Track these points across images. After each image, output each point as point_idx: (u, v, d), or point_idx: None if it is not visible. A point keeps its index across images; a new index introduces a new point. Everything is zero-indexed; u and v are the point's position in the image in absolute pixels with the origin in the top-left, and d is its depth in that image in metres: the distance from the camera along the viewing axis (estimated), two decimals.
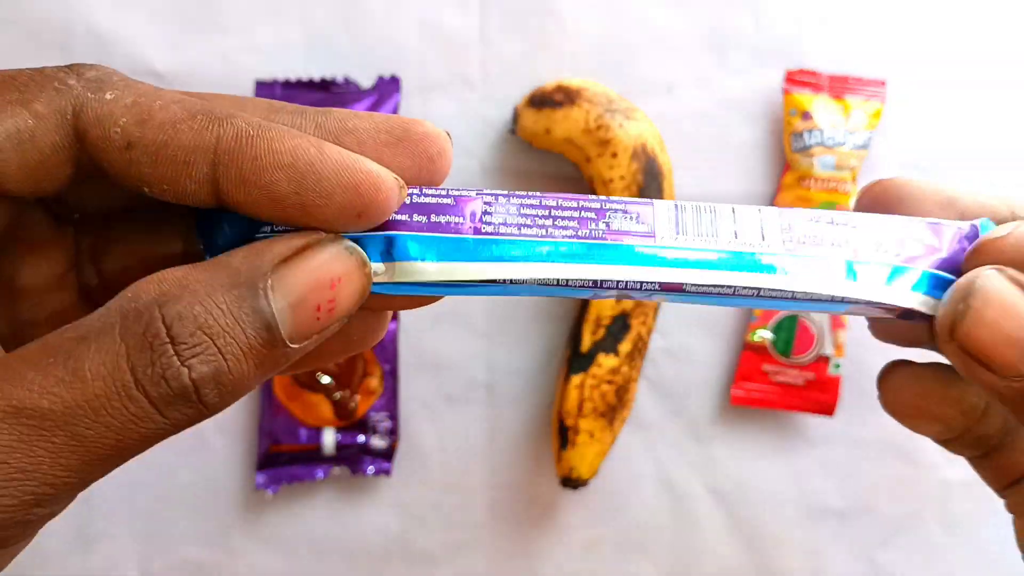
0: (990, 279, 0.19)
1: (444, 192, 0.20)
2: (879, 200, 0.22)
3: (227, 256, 0.17)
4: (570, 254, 0.20)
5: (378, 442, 0.46)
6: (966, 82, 0.47)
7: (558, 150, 0.44)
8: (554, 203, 0.20)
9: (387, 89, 0.45)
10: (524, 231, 0.20)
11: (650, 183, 0.43)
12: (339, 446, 0.45)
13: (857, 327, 0.47)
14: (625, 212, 0.20)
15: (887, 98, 0.46)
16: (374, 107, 0.45)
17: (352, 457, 0.46)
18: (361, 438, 0.46)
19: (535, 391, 0.47)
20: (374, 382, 0.46)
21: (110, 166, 0.17)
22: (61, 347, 0.16)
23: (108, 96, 0.17)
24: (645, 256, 0.20)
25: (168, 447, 0.49)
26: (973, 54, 0.47)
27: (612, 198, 0.21)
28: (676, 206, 0.20)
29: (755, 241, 0.20)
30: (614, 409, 0.44)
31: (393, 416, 0.46)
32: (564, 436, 0.44)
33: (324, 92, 0.45)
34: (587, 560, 0.48)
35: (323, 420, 0.45)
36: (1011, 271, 0.19)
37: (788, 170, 0.46)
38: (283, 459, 0.45)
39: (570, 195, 0.20)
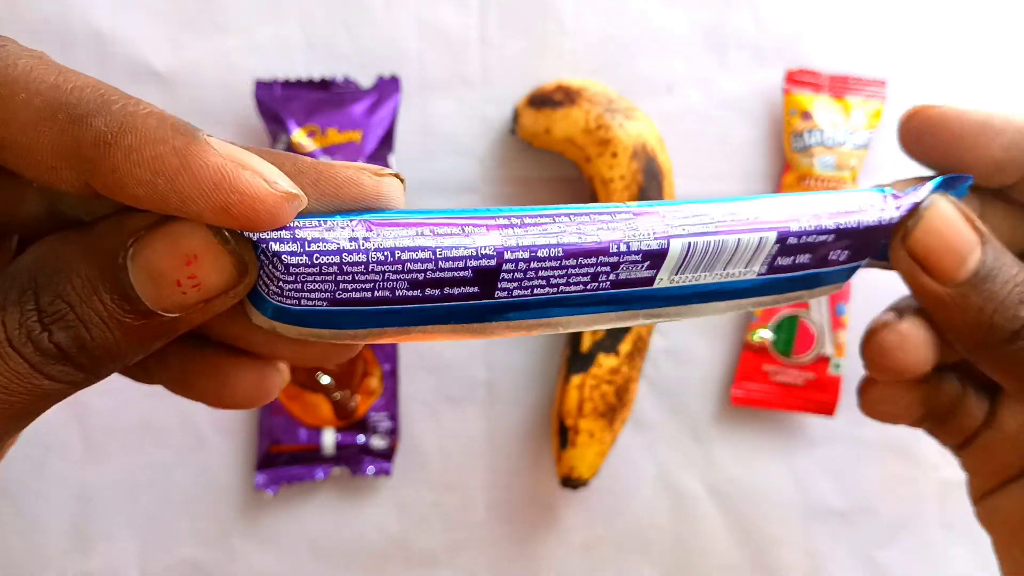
0: (940, 200, 0.23)
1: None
2: (920, 129, 0.25)
3: (99, 223, 0.17)
4: (588, 303, 0.21)
5: (378, 442, 0.46)
6: (966, 82, 0.47)
7: (558, 150, 0.44)
8: (572, 262, 0.20)
9: (387, 89, 0.45)
10: (536, 291, 0.20)
11: (650, 183, 0.43)
12: (339, 446, 0.45)
13: (858, 327, 0.47)
14: (638, 263, 0.21)
15: (887, 98, 0.46)
16: (374, 107, 0.45)
17: (352, 457, 0.46)
18: (361, 438, 0.45)
19: (535, 391, 0.47)
20: (374, 382, 0.46)
21: None
22: None
23: None
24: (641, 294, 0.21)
25: (168, 447, 0.49)
26: (974, 54, 0.47)
27: (630, 248, 0.20)
28: (689, 247, 0.21)
29: (740, 271, 0.22)
30: (614, 409, 0.44)
31: (393, 416, 0.46)
32: (564, 436, 0.44)
33: (324, 92, 0.45)
34: (587, 560, 0.48)
35: (323, 420, 0.45)
36: (959, 203, 0.23)
37: (788, 170, 0.46)
38: (283, 459, 0.45)
39: (588, 246, 0.20)
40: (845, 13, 0.47)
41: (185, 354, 0.22)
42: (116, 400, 0.45)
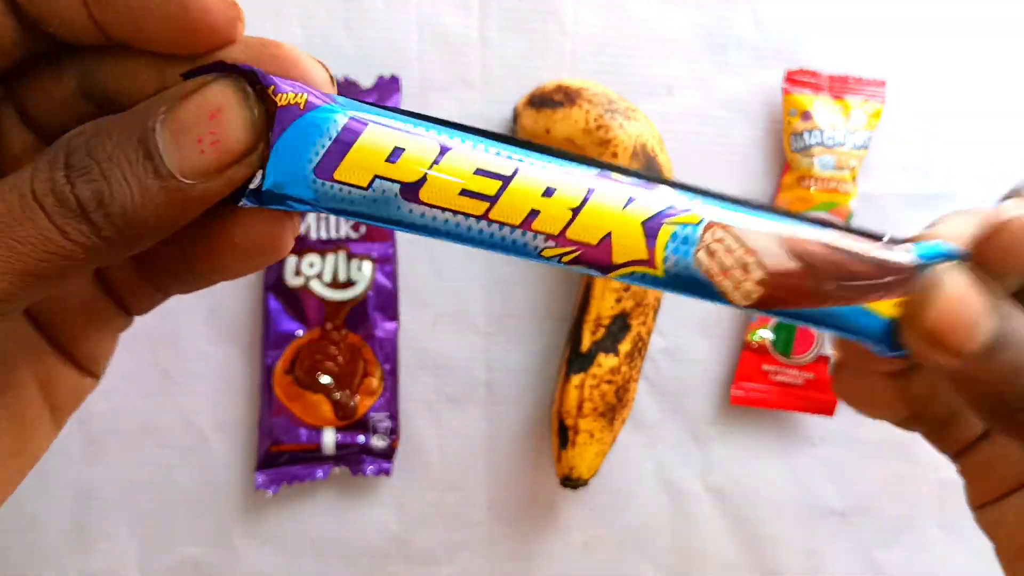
0: (947, 270, 0.21)
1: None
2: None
3: (137, 105, 0.19)
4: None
5: (378, 442, 0.46)
6: (966, 82, 0.47)
7: None
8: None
9: (387, 89, 0.45)
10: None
11: None
12: (339, 446, 0.45)
13: None
14: None
15: (887, 98, 0.46)
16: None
17: (352, 457, 0.46)
18: (361, 438, 0.46)
19: (535, 391, 0.47)
20: (374, 382, 0.46)
21: (25, 5, 0.20)
22: None
23: None
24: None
25: (168, 447, 0.49)
26: (973, 54, 0.47)
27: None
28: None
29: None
30: (614, 409, 0.44)
31: (393, 416, 0.46)
32: (564, 436, 0.44)
33: None
34: (587, 560, 0.48)
35: (323, 420, 0.45)
36: (963, 265, 0.22)
37: (788, 170, 0.46)
38: (283, 459, 0.45)
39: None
40: (845, 13, 0.47)
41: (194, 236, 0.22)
42: (116, 400, 0.45)
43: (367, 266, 0.45)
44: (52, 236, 0.18)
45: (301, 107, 0.19)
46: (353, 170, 0.19)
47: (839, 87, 0.46)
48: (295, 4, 0.46)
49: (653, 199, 0.20)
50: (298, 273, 0.45)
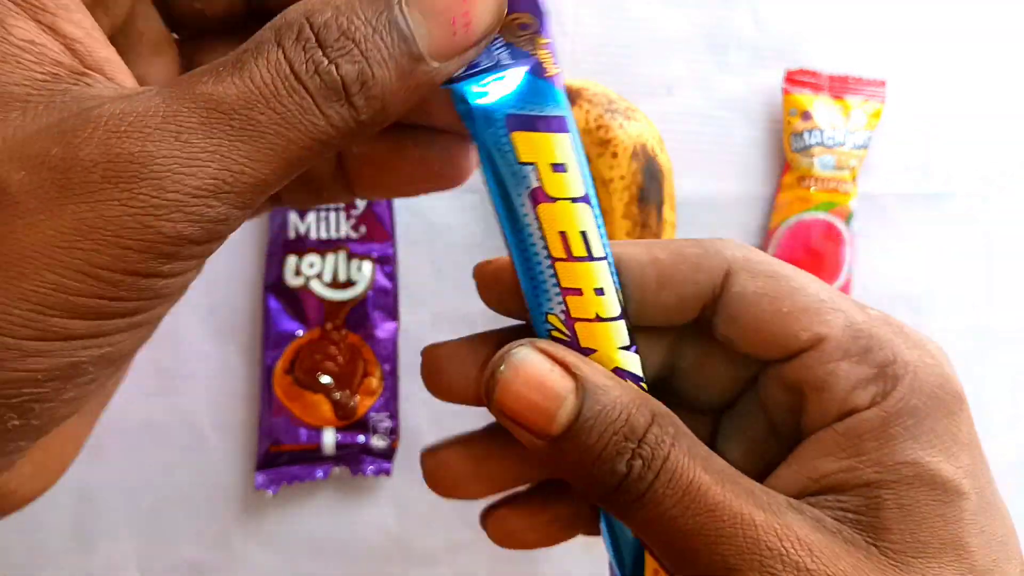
0: (519, 351, 0.20)
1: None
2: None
3: None
4: None
5: (378, 442, 0.46)
6: (966, 82, 0.47)
7: None
8: None
9: None
10: None
11: (650, 183, 0.43)
12: (339, 446, 0.45)
13: None
14: None
15: (887, 98, 0.46)
16: None
17: (352, 457, 0.46)
18: (361, 438, 0.46)
19: None
20: (374, 382, 0.46)
21: None
22: (226, 60, 0.17)
23: None
24: None
25: (168, 447, 0.49)
26: (973, 54, 0.47)
27: None
28: None
29: None
30: None
31: (393, 416, 0.46)
32: None
33: None
34: (587, 560, 0.48)
35: (323, 420, 0.45)
36: (544, 343, 0.20)
37: (788, 170, 0.46)
38: (283, 459, 0.45)
39: None
40: (845, 13, 0.47)
41: (387, 141, 0.23)
42: (116, 400, 0.45)
43: (367, 266, 0.45)
44: (316, 120, 0.17)
45: (549, 74, 0.20)
46: (528, 144, 0.20)
47: (839, 87, 0.46)
48: None
49: (632, 359, 0.22)
50: (298, 273, 0.45)
